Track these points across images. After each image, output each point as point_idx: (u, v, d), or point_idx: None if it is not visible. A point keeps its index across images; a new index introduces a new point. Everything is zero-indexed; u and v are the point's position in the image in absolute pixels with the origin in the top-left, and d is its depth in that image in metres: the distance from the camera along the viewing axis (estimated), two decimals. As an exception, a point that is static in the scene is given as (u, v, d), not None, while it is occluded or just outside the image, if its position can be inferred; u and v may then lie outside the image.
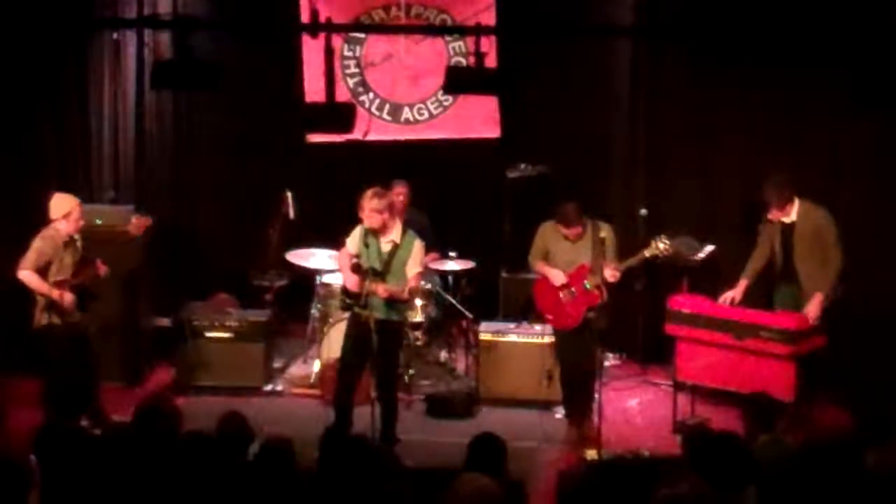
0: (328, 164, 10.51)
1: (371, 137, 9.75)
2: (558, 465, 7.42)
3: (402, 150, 10.49)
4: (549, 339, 8.74)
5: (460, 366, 9.64)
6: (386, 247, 7.90)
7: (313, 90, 9.91)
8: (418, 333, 9.20)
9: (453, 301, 9.59)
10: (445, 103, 10.53)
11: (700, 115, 9.60)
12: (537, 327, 8.92)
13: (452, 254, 9.76)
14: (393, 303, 7.83)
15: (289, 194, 9.60)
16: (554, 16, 9.85)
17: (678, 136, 9.71)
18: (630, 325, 9.78)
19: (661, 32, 9.68)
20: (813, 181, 9.04)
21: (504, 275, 9.87)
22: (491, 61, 8.41)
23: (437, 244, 9.61)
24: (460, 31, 10.07)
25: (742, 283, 8.53)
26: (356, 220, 8.00)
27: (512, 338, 9.02)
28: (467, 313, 9.51)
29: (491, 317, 9.58)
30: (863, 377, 8.62)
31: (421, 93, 10.55)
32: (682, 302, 8.63)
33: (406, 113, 10.65)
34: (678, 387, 8.60)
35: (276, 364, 9.66)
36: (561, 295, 8.24)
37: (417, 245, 7.95)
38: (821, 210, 8.35)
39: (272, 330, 9.54)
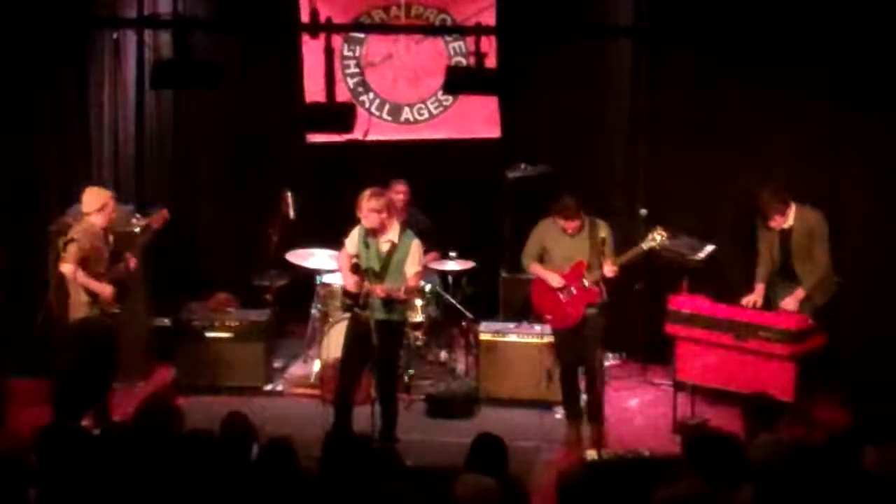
0: (328, 164, 10.50)
1: (371, 137, 9.73)
2: (558, 465, 7.43)
3: (402, 150, 10.48)
4: (549, 339, 8.74)
5: (460, 366, 9.63)
6: (384, 247, 7.90)
7: (313, 90, 9.90)
8: (418, 333, 9.21)
9: (453, 301, 9.59)
10: (445, 103, 10.52)
11: (700, 114, 9.60)
12: (537, 327, 8.92)
13: (452, 254, 9.75)
14: (392, 303, 7.82)
15: (289, 194, 9.60)
16: (554, 16, 9.85)
17: (678, 136, 9.71)
18: (630, 325, 9.77)
19: (661, 32, 9.68)
20: (813, 181, 9.06)
21: (504, 275, 9.86)
22: (491, 61, 8.40)
23: (437, 245, 9.60)
24: (460, 31, 10.06)
25: (759, 287, 8.59)
26: (356, 220, 8.00)
27: (512, 338, 9.02)
28: (467, 313, 9.50)
29: (491, 317, 9.58)
30: (863, 377, 8.63)
31: (421, 93, 10.55)
32: (682, 302, 8.63)
33: (406, 113, 10.64)
34: (678, 387, 8.60)
35: (276, 364, 9.66)
36: (560, 294, 8.24)
37: (415, 245, 7.94)
38: (815, 213, 8.47)
39: (272, 330, 9.53)
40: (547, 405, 8.79)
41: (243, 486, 5.36)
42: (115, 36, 9.77)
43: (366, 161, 10.11)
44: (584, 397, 8.45)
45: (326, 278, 9.58)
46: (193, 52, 7.62)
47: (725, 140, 9.53)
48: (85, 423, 7.59)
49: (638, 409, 9.09)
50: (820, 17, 8.19)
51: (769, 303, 8.59)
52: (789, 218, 8.44)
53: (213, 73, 7.80)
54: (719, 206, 9.62)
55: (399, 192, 9.43)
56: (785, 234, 8.49)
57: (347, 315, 8.12)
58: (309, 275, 9.73)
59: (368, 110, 10.49)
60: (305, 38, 10.16)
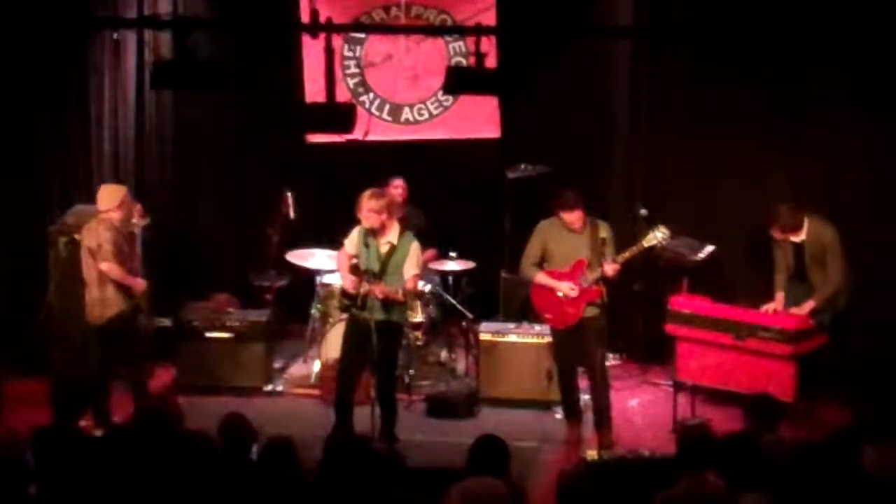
0: (328, 164, 10.51)
1: (371, 137, 9.73)
2: (558, 465, 7.43)
3: (402, 150, 10.49)
4: (548, 339, 8.73)
5: (460, 366, 9.63)
6: (383, 248, 7.90)
7: (313, 90, 9.91)
8: (418, 333, 9.20)
9: (453, 301, 9.59)
10: (445, 103, 10.52)
11: (700, 114, 9.60)
12: (537, 327, 8.91)
13: (452, 254, 9.75)
14: (391, 304, 7.82)
15: (289, 194, 9.60)
16: (554, 16, 9.85)
17: (678, 136, 9.71)
18: (630, 325, 9.78)
19: (661, 32, 9.68)
20: (813, 181, 9.06)
21: (504, 275, 9.86)
22: (491, 61, 8.39)
23: (435, 242, 9.60)
24: (460, 31, 10.06)
25: (780, 296, 8.57)
26: (356, 221, 8.00)
27: (512, 338, 9.02)
28: (467, 313, 9.50)
29: (491, 317, 9.58)
30: (863, 377, 8.63)
31: (421, 93, 10.55)
32: (682, 302, 8.63)
33: (406, 113, 10.65)
34: (678, 387, 8.60)
35: (276, 364, 9.65)
36: (560, 294, 8.23)
37: (414, 247, 7.94)
38: (829, 228, 8.44)
39: (272, 330, 9.52)
40: (547, 405, 8.79)
41: (243, 487, 5.37)
42: (115, 36, 9.77)
43: (366, 161, 10.10)
44: (584, 397, 8.45)
45: (326, 278, 9.58)
46: (193, 52, 7.60)
47: (725, 140, 9.54)
48: (84, 423, 7.58)
49: (638, 409, 9.08)
50: (820, 18, 8.20)
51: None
52: (802, 233, 8.46)
53: (214, 74, 7.78)
54: (719, 206, 9.63)
55: (397, 187, 9.49)
56: (798, 249, 8.51)
57: (347, 315, 8.12)
58: (309, 275, 9.73)
59: (368, 110, 10.49)
60: (305, 38, 10.16)
